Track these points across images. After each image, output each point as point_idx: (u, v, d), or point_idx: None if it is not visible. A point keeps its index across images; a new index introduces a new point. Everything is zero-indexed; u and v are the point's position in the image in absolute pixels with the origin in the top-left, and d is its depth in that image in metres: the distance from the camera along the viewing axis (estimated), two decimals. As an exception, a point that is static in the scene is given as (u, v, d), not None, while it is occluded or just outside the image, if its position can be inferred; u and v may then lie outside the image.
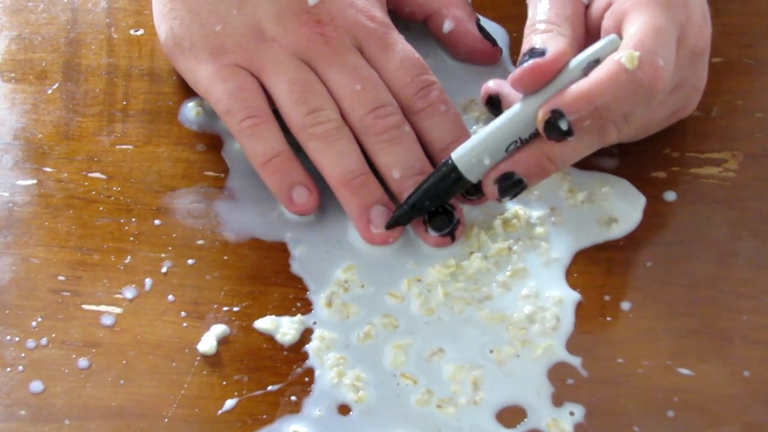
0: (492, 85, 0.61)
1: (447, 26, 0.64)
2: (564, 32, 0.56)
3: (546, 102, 0.54)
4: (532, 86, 0.55)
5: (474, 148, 0.56)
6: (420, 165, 0.59)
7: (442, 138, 0.59)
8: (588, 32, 0.57)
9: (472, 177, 0.57)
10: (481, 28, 0.64)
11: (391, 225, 0.58)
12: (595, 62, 0.54)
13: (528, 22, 0.57)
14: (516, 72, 0.55)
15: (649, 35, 0.53)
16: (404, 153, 0.58)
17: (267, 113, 0.60)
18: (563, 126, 0.53)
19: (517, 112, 0.55)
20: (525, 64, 0.54)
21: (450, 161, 0.56)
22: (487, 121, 0.63)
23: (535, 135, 0.55)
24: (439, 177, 0.57)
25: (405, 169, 0.58)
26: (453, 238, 0.59)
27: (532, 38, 0.55)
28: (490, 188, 0.56)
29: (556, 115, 0.53)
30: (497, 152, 0.56)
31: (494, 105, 0.61)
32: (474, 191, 0.59)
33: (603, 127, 0.54)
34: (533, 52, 0.55)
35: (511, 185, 0.56)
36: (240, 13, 0.60)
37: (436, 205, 0.58)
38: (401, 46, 0.61)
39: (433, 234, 0.59)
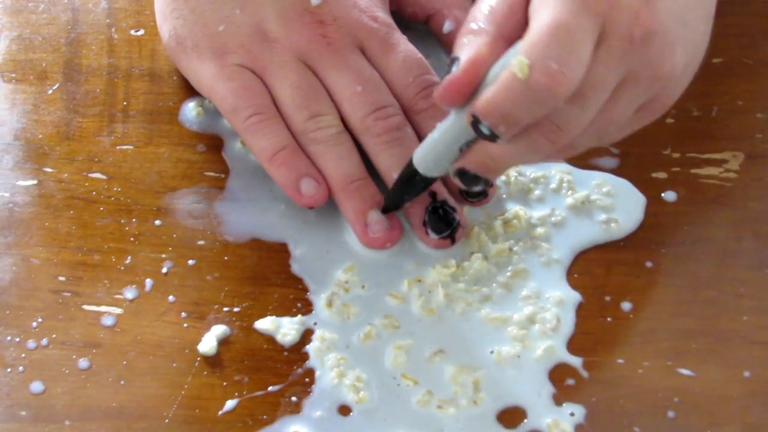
0: None
1: (447, 26, 0.64)
2: (485, 31, 0.51)
3: (469, 106, 0.51)
4: (454, 101, 0.51)
5: (428, 152, 0.55)
6: (421, 166, 0.59)
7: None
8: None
9: (436, 174, 0.56)
10: (481, 30, 0.64)
11: (383, 211, 0.59)
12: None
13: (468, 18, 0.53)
14: (437, 89, 0.51)
15: (543, 37, 0.48)
16: (404, 155, 0.58)
17: (272, 110, 0.60)
18: (485, 130, 0.50)
19: (454, 119, 0.53)
20: (443, 80, 0.51)
21: (411, 164, 0.56)
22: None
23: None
24: (406, 178, 0.57)
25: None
26: (453, 241, 0.59)
27: (457, 42, 0.51)
28: (456, 180, 0.54)
29: (475, 119, 0.50)
30: (451, 152, 0.54)
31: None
32: (475, 194, 0.59)
33: (536, 131, 0.51)
34: (453, 62, 0.51)
35: (471, 179, 0.53)
36: (243, 14, 0.60)
37: (414, 197, 0.58)
38: (403, 46, 0.61)
39: (434, 236, 0.59)
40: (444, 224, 0.58)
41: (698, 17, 0.52)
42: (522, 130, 0.50)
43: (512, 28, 0.51)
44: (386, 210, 0.59)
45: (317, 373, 0.56)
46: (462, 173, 0.53)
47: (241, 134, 0.60)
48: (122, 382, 0.55)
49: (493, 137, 0.51)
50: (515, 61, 0.48)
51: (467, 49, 0.50)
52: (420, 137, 0.59)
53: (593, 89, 0.50)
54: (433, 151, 0.55)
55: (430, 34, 0.65)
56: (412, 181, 0.56)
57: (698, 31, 0.52)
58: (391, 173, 0.58)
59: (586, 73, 0.49)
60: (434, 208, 0.58)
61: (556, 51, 0.48)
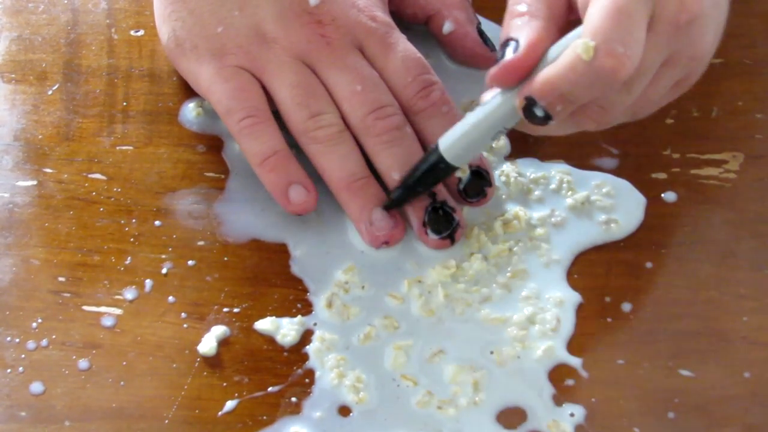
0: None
1: (447, 27, 0.64)
2: (540, 14, 0.53)
3: (521, 89, 0.52)
4: (509, 83, 0.53)
5: (460, 139, 0.56)
6: (420, 167, 0.59)
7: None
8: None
9: (460, 164, 0.56)
10: (481, 33, 0.64)
11: (387, 207, 0.59)
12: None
13: (509, 2, 0.54)
14: (493, 70, 0.53)
15: (607, 20, 0.49)
16: (404, 154, 0.58)
17: (266, 113, 0.60)
18: (539, 112, 0.52)
19: (499, 103, 0.54)
20: (501, 62, 0.52)
21: (438, 151, 0.56)
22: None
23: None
24: (428, 166, 0.57)
25: (405, 171, 0.58)
26: (453, 241, 0.59)
27: (509, 24, 0.53)
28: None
29: (530, 101, 0.51)
30: (483, 142, 0.55)
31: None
32: (475, 194, 0.59)
33: (582, 112, 0.53)
34: (508, 44, 0.52)
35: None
36: (241, 15, 0.60)
37: (429, 189, 0.58)
38: (403, 45, 0.61)
39: (433, 236, 0.59)
40: (443, 225, 0.58)
41: None
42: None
43: (562, 10, 0.53)
44: (394, 203, 0.58)
45: (317, 374, 0.56)
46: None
47: (234, 137, 0.60)
48: (122, 383, 0.55)
49: (545, 119, 0.52)
50: (580, 43, 0.49)
51: (525, 31, 0.52)
52: (420, 137, 0.59)
53: (641, 72, 0.51)
54: (465, 138, 0.55)
55: (430, 36, 0.65)
56: (434, 170, 0.56)
57: (724, 10, 0.54)
58: (391, 173, 0.58)
59: None
60: (434, 208, 0.58)
61: (619, 34, 0.49)
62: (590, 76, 0.50)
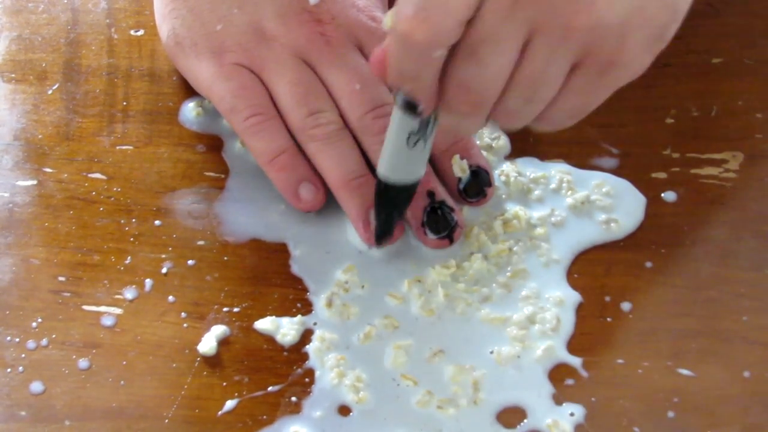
0: None
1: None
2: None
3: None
4: (382, 76, 0.49)
5: (385, 157, 0.54)
6: (419, 165, 0.59)
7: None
8: None
9: (409, 178, 0.55)
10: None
11: (378, 242, 0.58)
12: None
13: None
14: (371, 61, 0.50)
15: None
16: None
17: (271, 110, 0.60)
18: (408, 104, 0.49)
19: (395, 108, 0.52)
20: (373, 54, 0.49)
21: (383, 182, 0.55)
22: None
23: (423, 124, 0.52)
24: (380, 193, 0.56)
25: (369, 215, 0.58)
26: (451, 241, 0.59)
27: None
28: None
29: (394, 93, 0.50)
30: (404, 152, 0.53)
31: None
32: (474, 194, 0.59)
33: (446, 102, 0.49)
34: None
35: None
36: (241, 12, 0.60)
37: (403, 209, 0.57)
38: (401, 44, 0.60)
39: (432, 236, 0.59)
40: (442, 224, 0.58)
41: None
42: (437, 99, 0.48)
43: None
44: (381, 237, 0.57)
45: (317, 374, 0.56)
46: None
47: (240, 135, 0.60)
48: (122, 383, 0.55)
49: (415, 109, 0.49)
50: (385, 15, 0.47)
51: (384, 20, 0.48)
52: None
53: (485, 42, 0.46)
54: (387, 153, 0.54)
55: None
56: (389, 195, 0.55)
57: (660, 13, 0.47)
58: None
59: (472, 25, 0.46)
60: (432, 208, 0.58)
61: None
62: (401, 46, 0.46)
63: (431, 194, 0.58)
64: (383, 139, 0.58)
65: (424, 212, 0.58)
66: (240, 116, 0.59)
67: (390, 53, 0.47)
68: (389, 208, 0.57)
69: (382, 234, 0.58)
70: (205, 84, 0.61)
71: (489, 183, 0.60)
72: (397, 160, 0.54)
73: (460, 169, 0.59)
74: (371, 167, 0.59)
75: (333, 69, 0.60)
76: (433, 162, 0.59)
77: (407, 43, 0.46)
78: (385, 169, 0.55)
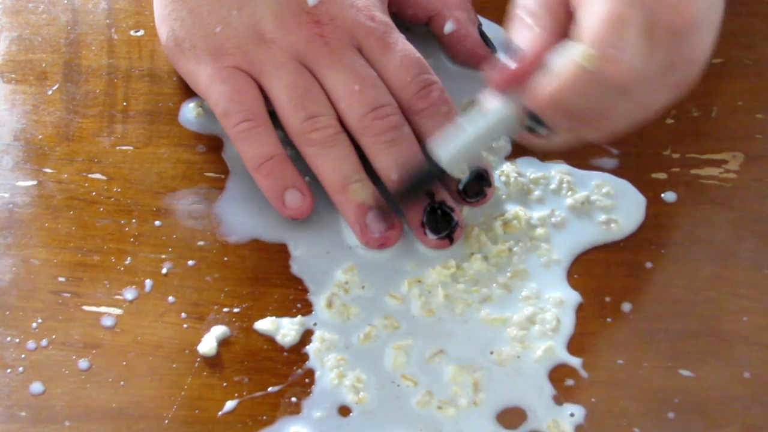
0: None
1: (448, 27, 0.64)
2: (542, 22, 0.53)
3: (522, 105, 0.52)
4: (508, 89, 0.53)
5: (460, 152, 0.56)
6: (419, 167, 0.59)
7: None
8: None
9: (457, 172, 0.57)
10: (482, 33, 0.64)
11: (383, 211, 0.58)
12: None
13: (514, 6, 0.54)
14: (493, 74, 0.53)
15: (604, 27, 0.49)
16: (403, 155, 0.58)
17: (263, 117, 0.60)
18: (541, 127, 0.52)
19: (497, 114, 0.54)
20: (501, 68, 0.53)
21: (435, 161, 0.56)
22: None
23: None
24: (427, 175, 0.57)
25: (403, 171, 0.58)
26: (452, 241, 0.59)
27: (512, 28, 0.53)
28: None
29: (532, 116, 0.52)
30: (479, 151, 0.56)
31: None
32: (474, 194, 0.59)
33: (585, 123, 0.53)
34: (509, 48, 0.53)
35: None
36: (240, 14, 0.60)
37: (423, 193, 0.58)
38: (401, 45, 0.60)
39: (432, 237, 0.59)
40: (442, 225, 0.58)
41: None
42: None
43: (563, 19, 0.52)
44: (391, 208, 0.58)
45: (317, 374, 0.56)
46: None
47: (232, 139, 0.60)
48: (122, 383, 0.55)
49: (548, 132, 0.52)
50: (580, 51, 0.49)
51: (528, 38, 0.52)
52: (418, 137, 0.59)
53: (641, 80, 0.51)
54: (462, 149, 0.55)
55: (430, 37, 0.65)
56: (431, 178, 0.57)
57: (719, 11, 0.53)
58: (390, 173, 0.58)
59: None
60: (432, 208, 0.58)
61: (617, 40, 0.49)
62: (593, 85, 0.50)
63: (431, 194, 0.58)
64: (383, 139, 0.59)
65: (423, 212, 0.58)
66: (231, 121, 0.59)
67: (568, 88, 0.50)
68: (420, 189, 0.57)
69: (389, 210, 0.58)
70: (203, 86, 0.61)
71: (489, 183, 0.60)
72: (468, 155, 0.55)
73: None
74: (369, 170, 0.59)
75: (332, 71, 0.60)
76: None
77: (607, 83, 0.50)
78: (446, 156, 0.55)
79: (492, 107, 0.54)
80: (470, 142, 0.55)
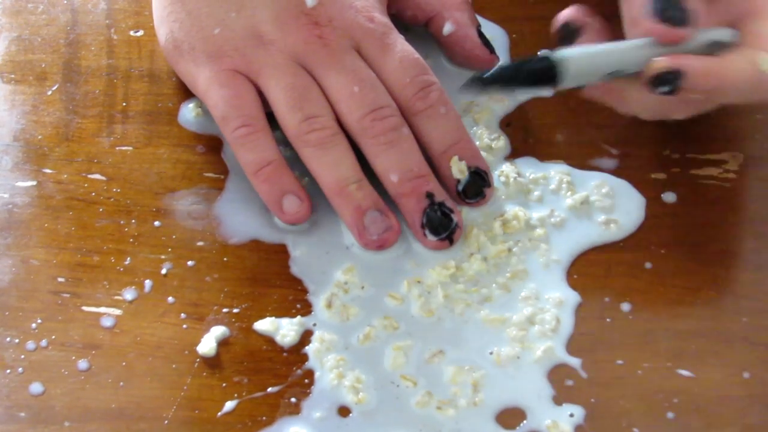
0: (571, 12, 0.58)
1: (447, 28, 0.64)
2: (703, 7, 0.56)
3: (673, 57, 0.54)
4: (667, 43, 0.55)
5: (582, 57, 0.55)
6: (418, 168, 0.59)
7: (442, 140, 0.59)
8: None
9: (564, 82, 0.55)
10: (481, 35, 0.64)
11: (470, 84, 0.55)
12: (717, 43, 0.56)
13: None
14: (661, 29, 0.55)
15: None
16: (402, 156, 0.58)
17: (261, 122, 0.60)
18: (673, 86, 0.54)
19: (637, 46, 0.55)
20: (672, 29, 0.55)
21: (553, 59, 0.54)
22: (488, 122, 0.63)
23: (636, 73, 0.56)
24: (537, 67, 0.55)
25: (403, 173, 0.58)
26: (451, 242, 0.59)
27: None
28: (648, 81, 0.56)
29: (674, 75, 0.54)
30: (597, 73, 0.56)
31: (568, 35, 0.58)
32: (473, 194, 0.59)
33: (706, 102, 0.57)
34: (677, 8, 0.55)
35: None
36: (238, 16, 0.60)
37: (518, 89, 0.57)
38: (401, 46, 0.60)
39: (432, 238, 0.58)
40: (442, 226, 0.58)
41: None
42: None
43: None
44: (483, 82, 0.55)
45: (316, 374, 0.56)
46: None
47: (230, 144, 0.60)
48: (122, 384, 0.55)
49: (671, 92, 0.55)
50: (760, 57, 0.54)
51: (695, 5, 0.55)
52: (418, 138, 0.59)
53: None
54: (585, 59, 0.55)
55: (430, 38, 0.65)
56: (538, 73, 0.55)
57: None
58: (389, 174, 0.58)
59: None
60: (432, 209, 0.58)
61: None
62: (753, 85, 0.55)
63: (430, 195, 0.58)
64: (382, 141, 0.58)
65: (423, 214, 0.58)
66: (230, 126, 0.59)
67: (733, 77, 0.55)
68: (519, 80, 0.55)
69: (480, 84, 0.55)
70: (201, 89, 0.61)
71: (488, 184, 0.60)
72: (587, 69, 0.55)
73: (458, 170, 0.59)
74: (368, 171, 0.59)
75: (331, 72, 0.60)
76: (431, 163, 0.59)
77: (763, 90, 0.56)
78: (569, 62, 0.54)
79: (631, 40, 0.56)
80: (593, 53, 0.55)
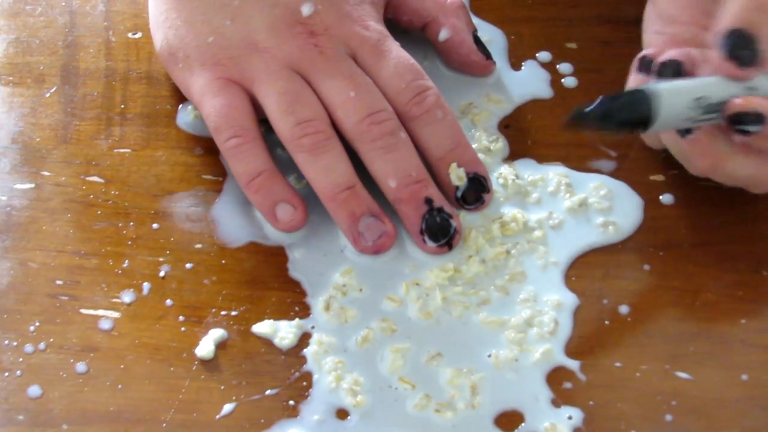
0: (680, 54, 0.57)
1: (443, 35, 0.63)
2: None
3: (757, 99, 0.54)
4: (735, 77, 0.55)
5: (678, 91, 0.54)
6: (416, 173, 0.58)
7: (439, 145, 0.59)
8: None
9: (658, 114, 0.54)
10: (477, 40, 0.64)
11: (570, 122, 0.54)
12: None
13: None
14: (730, 67, 0.54)
15: None
16: (400, 160, 0.58)
17: (252, 133, 0.59)
18: (755, 126, 0.54)
19: (718, 79, 0.55)
20: (738, 68, 0.54)
21: (647, 91, 0.54)
22: (487, 124, 0.63)
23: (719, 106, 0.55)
24: (631, 100, 0.54)
25: (401, 178, 0.58)
26: (450, 247, 0.59)
27: (754, 22, 0.54)
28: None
29: (758, 117, 0.54)
30: (688, 112, 0.54)
31: (672, 71, 0.56)
32: (472, 200, 0.59)
33: None
34: (749, 48, 0.54)
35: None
36: (233, 25, 0.60)
37: (611, 124, 0.54)
38: (396, 52, 0.60)
39: (431, 244, 0.58)
40: (441, 232, 0.58)
41: None
42: None
43: None
44: (576, 121, 0.54)
45: (315, 377, 0.56)
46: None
47: (223, 155, 0.60)
48: (120, 386, 0.55)
49: (745, 133, 0.54)
50: None
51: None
52: (415, 143, 0.59)
53: None
54: (681, 89, 0.54)
55: (426, 42, 0.65)
56: (631, 121, 0.54)
57: None
58: (387, 180, 0.58)
59: None
60: (431, 215, 0.58)
61: None
62: None
63: (429, 201, 0.58)
64: (380, 145, 0.58)
65: (422, 219, 0.58)
66: (222, 137, 0.59)
67: None
68: (607, 126, 0.54)
69: (575, 123, 0.54)
70: (196, 97, 0.61)
71: (487, 190, 0.60)
72: (681, 96, 0.54)
73: (457, 177, 0.59)
74: (364, 175, 0.59)
75: (327, 78, 0.59)
76: (430, 169, 0.59)
77: None
78: (664, 89, 0.54)
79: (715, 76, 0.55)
80: (689, 86, 0.55)
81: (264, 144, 0.59)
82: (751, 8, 0.54)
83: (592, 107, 0.53)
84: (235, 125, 0.59)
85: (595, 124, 0.54)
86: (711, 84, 0.55)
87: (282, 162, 0.61)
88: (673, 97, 0.54)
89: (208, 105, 0.60)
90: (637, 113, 0.54)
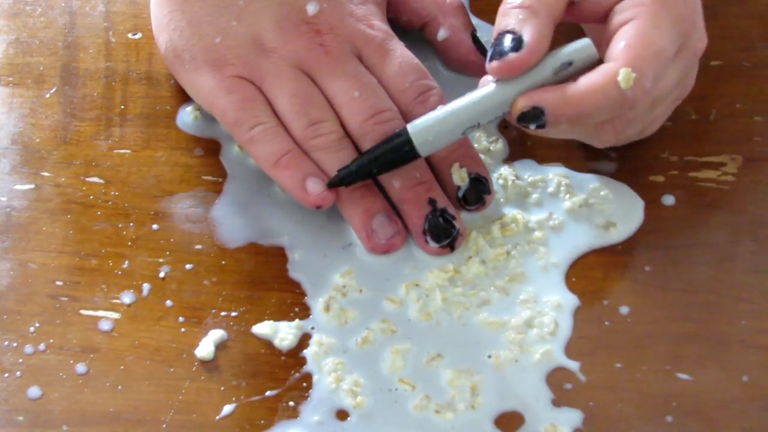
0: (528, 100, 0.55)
1: (442, 34, 0.64)
2: (541, 10, 0.55)
3: (527, 95, 0.54)
4: (509, 77, 0.55)
5: (432, 126, 0.56)
6: (420, 174, 0.59)
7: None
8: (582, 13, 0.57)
9: (424, 152, 0.57)
10: (476, 40, 0.64)
11: (334, 184, 0.58)
12: (568, 63, 0.54)
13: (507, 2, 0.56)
14: (495, 64, 0.54)
15: (648, 57, 0.54)
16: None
17: (274, 119, 0.59)
18: (538, 122, 0.54)
19: (486, 96, 0.55)
20: (505, 58, 0.54)
21: (406, 134, 0.57)
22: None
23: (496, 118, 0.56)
24: (391, 148, 0.57)
25: (406, 178, 0.58)
26: (452, 249, 0.59)
27: (507, 14, 0.55)
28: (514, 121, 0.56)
29: (536, 111, 0.54)
30: (454, 133, 0.56)
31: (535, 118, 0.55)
32: (474, 201, 0.59)
33: (600, 128, 0.56)
34: (506, 36, 0.54)
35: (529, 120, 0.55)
36: (239, 25, 0.60)
37: (381, 173, 0.58)
38: (400, 52, 0.60)
39: (433, 245, 0.58)
40: (444, 233, 0.58)
41: None
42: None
43: (560, 9, 0.55)
44: (342, 181, 0.58)
45: (315, 378, 0.56)
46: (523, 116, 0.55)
47: (245, 145, 0.60)
48: (120, 387, 0.55)
49: (540, 127, 0.54)
50: (623, 71, 0.53)
51: (528, 27, 0.54)
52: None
53: (666, 94, 0.57)
54: (435, 127, 0.56)
55: (426, 42, 0.65)
56: (396, 153, 0.57)
57: None
58: (391, 180, 0.58)
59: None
60: (434, 216, 0.58)
61: (653, 71, 0.54)
62: (615, 102, 0.53)
63: (433, 202, 0.58)
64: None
65: (425, 220, 0.58)
66: (244, 128, 0.59)
67: (593, 99, 0.53)
68: (380, 165, 0.57)
69: (340, 184, 0.58)
70: (207, 98, 0.60)
71: (488, 191, 0.60)
72: (442, 135, 0.56)
73: (459, 177, 0.59)
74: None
75: (332, 78, 0.59)
76: (433, 169, 0.59)
77: (625, 106, 0.54)
78: (422, 135, 0.56)
79: (480, 89, 0.56)
80: (444, 116, 0.56)
81: (285, 130, 0.59)
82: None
83: (349, 166, 0.57)
84: (257, 115, 0.59)
85: (359, 178, 0.58)
86: (477, 106, 0.55)
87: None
88: (439, 134, 0.56)
89: (222, 102, 0.60)
90: (399, 158, 0.57)
